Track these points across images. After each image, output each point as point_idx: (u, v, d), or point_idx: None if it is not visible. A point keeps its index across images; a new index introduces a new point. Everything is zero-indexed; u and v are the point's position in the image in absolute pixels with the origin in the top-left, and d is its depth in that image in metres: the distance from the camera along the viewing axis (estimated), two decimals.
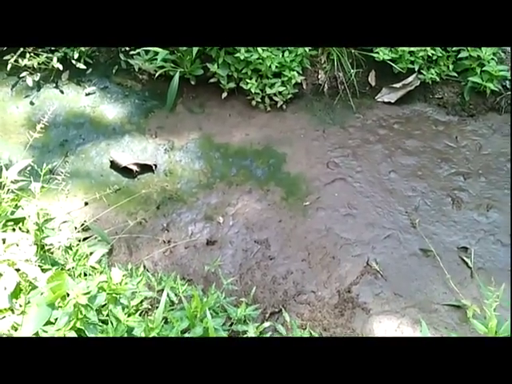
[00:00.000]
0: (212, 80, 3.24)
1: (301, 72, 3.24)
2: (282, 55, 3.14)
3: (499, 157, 3.07)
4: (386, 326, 2.37)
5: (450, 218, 2.78)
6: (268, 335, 2.11)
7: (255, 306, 2.14)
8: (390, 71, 3.33)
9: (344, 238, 2.68)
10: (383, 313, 2.43)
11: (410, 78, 3.28)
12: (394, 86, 3.31)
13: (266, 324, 2.04)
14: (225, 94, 3.27)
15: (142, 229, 2.66)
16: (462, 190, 2.91)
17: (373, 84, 3.38)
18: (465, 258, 2.60)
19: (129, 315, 1.72)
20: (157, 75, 3.17)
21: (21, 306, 1.73)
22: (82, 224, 2.57)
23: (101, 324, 1.63)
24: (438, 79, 3.27)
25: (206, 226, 2.69)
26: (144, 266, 2.47)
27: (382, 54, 3.21)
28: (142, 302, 1.94)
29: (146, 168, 2.91)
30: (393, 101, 3.32)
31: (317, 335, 2.21)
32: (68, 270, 2.03)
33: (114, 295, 1.71)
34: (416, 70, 3.27)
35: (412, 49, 3.21)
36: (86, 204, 2.74)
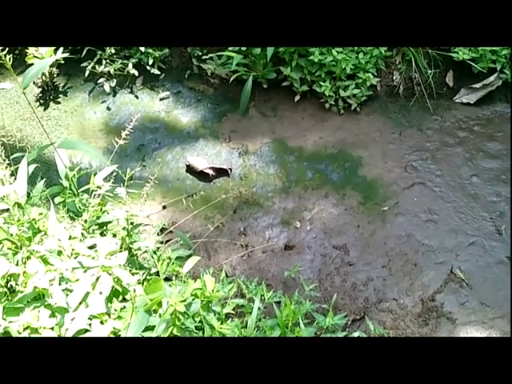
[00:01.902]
0: (285, 83, 3.23)
1: (375, 74, 3.17)
2: (357, 57, 3.08)
3: None
4: None
5: None
6: None
7: (343, 314, 2.10)
8: (468, 71, 3.21)
9: (426, 244, 2.60)
10: (470, 323, 2.34)
11: (491, 78, 3.15)
12: (474, 86, 3.18)
13: (356, 334, 2.00)
14: (297, 97, 3.24)
15: (220, 233, 2.67)
16: None
17: (451, 85, 3.27)
18: None
19: (221, 322, 1.72)
20: (232, 79, 3.17)
21: (116, 310, 1.77)
22: (162, 228, 2.61)
23: (196, 331, 1.64)
24: None
25: (283, 230, 2.68)
26: (224, 271, 2.48)
27: (462, 53, 3.09)
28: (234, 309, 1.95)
29: (221, 172, 2.93)
30: (472, 102, 3.19)
31: None
32: (152, 274, 2.07)
33: (207, 302, 1.71)
34: (498, 69, 3.13)
35: (494, 48, 3.08)
36: (164, 208, 2.78)
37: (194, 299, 1.68)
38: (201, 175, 2.91)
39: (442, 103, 3.24)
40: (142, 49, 3.27)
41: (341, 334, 1.93)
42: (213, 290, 1.72)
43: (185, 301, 1.61)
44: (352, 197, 2.80)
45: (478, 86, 3.17)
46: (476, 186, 2.83)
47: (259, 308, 2.00)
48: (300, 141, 3.08)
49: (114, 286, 1.79)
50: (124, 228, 2.11)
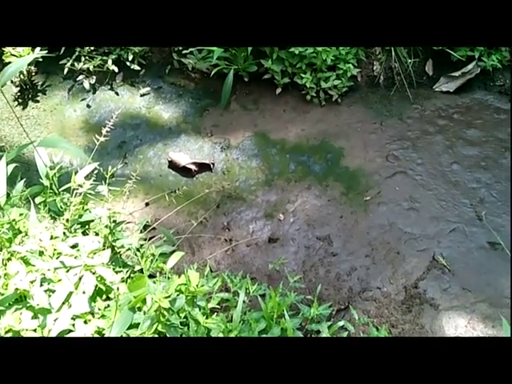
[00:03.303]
0: (266, 76, 3.22)
1: (356, 64, 3.18)
2: (337, 48, 3.09)
3: None
4: (455, 322, 2.31)
5: None
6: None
7: (327, 304, 2.11)
8: (447, 60, 3.24)
9: (408, 232, 2.63)
10: (452, 308, 2.37)
11: (470, 66, 3.18)
12: (453, 74, 3.21)
13: (341, 323, 2.02)
14: (279, 90, 3.25)
15: (203, 228, 2.68)
16: None
17: (430, 73, 3.29)
18: None
19: (206, 317, 1.73)
20: (213, 73, 3.16)
21: (100, 309, 1.77)
22: (145, 225, 2.61)
23: (181, 327, 1.65)
24: (499, 66, 3.16)
25: (266, 223, 2.69)
26: (208, 266, 2.49)
27: None
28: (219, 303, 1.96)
29: (203, 167, 2.92)
30: (452, 90, 3.22)
31: (386, 332, 2.17)
32: (136, 271, 2.07)
33: (191, 297, 1.72)
34: (476, 57, 3.16)
35: None
36: (147, 205, 2.78)
37: (178, 295, 1.70)
38: (183, 171, 2.91)
39: (421, 92, 3.26)
40: None
41: (325, 325, 1.94)
42: (197, 285, 1.74)
43: (169, 297, 1.62)
44: (334, 187, 2.82)
45: (456, 74, 3.20)
46: (456, 173, 2.86)
47: (244, 301, 2.01)
48: (282, 133, 3.08)
49: (97, 285, 1.79)
50: (106, 226, 2.10)
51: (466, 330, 2.29)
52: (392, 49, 3.21)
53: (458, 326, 2.30)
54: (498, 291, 2.41)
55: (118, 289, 1.70)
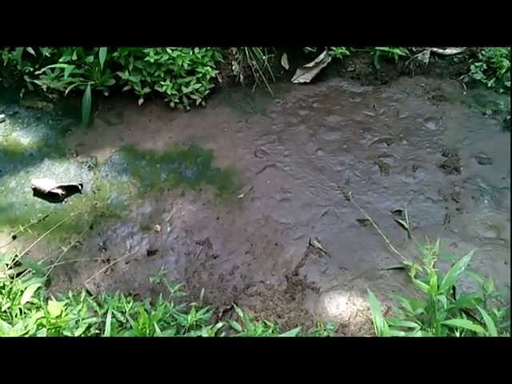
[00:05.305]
0: (126, 88, 3.17)
1: (214, 66, 3.22)
2: (193, 52, 3.10)
3: (416, 118, 3.19)
4: (337, 302, 2.41)
5: (380, 184, 2.86)
6: (223, 335, 2.11)
7: (205, 308, 2.12)
8: (300, 52, 3.37)
9: (283, 223, 2.70)
10: (332, 289, 2.47)
11: (321, 56, 3.34)
12: (307, 65, 3.35)
13: (219, 324, 2.03)
14: (141, 101, 3.20)
15: (78, 252, 2.57)
16: (387, 156, 2.99)
17: (286, 67, 3.41)
18: (400, 221, 2.68)
19: None
20: (67, 91, 3.04)
21: None
22: (13, 259, 2.46)
23: None
24: (347, 53, 3.34)
25: (143, 237, 2.64)
26: (87, 291, 2.40)
27: None
28: (89, 328, 1.88)
29: (72, 189, 2.81)
30: (308, 80, 3.36)
31: (272, 324, 2.22)
32: (4, 311, 1.94)
33: (55, 329, 1.64)
34: (326, 47, 3.32)
35: None
36: (15, 238, 2.61)
37: (39, 329, 1.61)
38: (50, 196, 2.77)
39: (281, 86, 3.37)
40: None
41: (206, 329, 1.94)
42: (60, 315, 1.66)
43: (27, 333, 1.53)
44: (208, 190, 2.83)
45: (310, 65, 3.34)
46: (321, 159, 2.99)
47: (121, 322, 1.96)
48: (150, 144, 3.04)
49: None
50: None
51: (347, 307, 2.39)
52: (246, 47, 3.28)
53: (339, 304, 2.40)
54: (371, 265, 2.55)
55: None
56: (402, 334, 2.06)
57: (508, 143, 3.03)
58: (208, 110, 3.23)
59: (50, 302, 1.65)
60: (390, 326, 2.05)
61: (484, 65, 3.34)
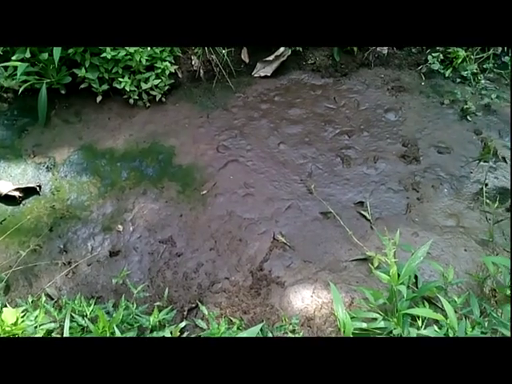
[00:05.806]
0: (83, 85, 3.09)
1: (173, 61, 3.18)
2: (151, 47, 3.05)
3: (376, 109, 3.22)
4: (302, 295, 2.42)
5: (342, 176, 2.88)
6: (186, 334, 2.09)
7: (169, 308, 2.10)
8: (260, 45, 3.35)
9: (247, 218, 2.70)
10: (297, 282, 2.48)
11: (281, 49, 3.33)
12: (267, 59, 3.34)
13: (183, 323, 2.01)
14: (99, 98, 3.14)
15: (38, 256, 2.51)
16: (348, 147, 3.02)
17: (247, 61, 3.39)
18: (362, 212, 2.71)
19: None
20: (21, 90, 2.95)
21: None
22: None
23: None
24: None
25: (105, 237, 2.60)
26: (48, 295, 2.35)
27: None
28: (50, 334, 1.85)
29: (29, 191, 2.74)
30: (269, 74, 3.35)
31: (237, 321, 2.22)
32: None
33: (11, 337, 1.60)
34: None
35: None
36: None
37: None
38: (7, 199, 2.70)
39: (242, 80, 3.35)
40: None
41: (169, 329, 1.92)
42: (15, 323, 1.62)
43: None
44: (170, 188, 2.80)
45: (271, 58, 3.33)
46: (284, 152, 2.99)
47: (82, 325, 1.92)
48: (110, 142, 2.99)
49: None
50: None
51: (312, 300, 2.41)
52: None
53: (304, 297, 2.42)
54: (335, 257, 2.57)
55: None
56: (365, 325, 2.09)
57: (465, 132, 3.10)
58: (168, 105, 3.19)
59: (4, 309, 1.61)
60: (352, 317, 2.07)
61: (441, 55, 3.40)
